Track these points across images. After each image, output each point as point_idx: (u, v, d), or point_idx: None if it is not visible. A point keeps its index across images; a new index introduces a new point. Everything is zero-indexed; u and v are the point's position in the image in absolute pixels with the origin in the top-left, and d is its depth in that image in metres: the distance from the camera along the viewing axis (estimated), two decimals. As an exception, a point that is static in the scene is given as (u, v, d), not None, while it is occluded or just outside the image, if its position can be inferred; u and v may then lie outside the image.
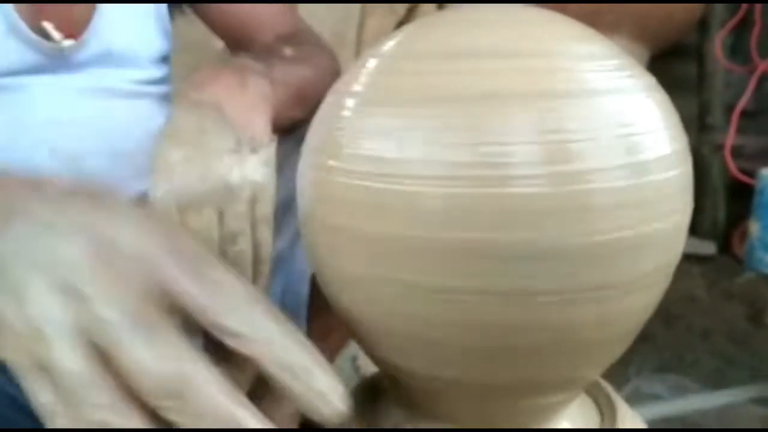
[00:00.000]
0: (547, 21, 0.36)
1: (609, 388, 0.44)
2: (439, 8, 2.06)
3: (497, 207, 0.32)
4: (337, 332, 0.90)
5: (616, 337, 0.36)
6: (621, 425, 0.41)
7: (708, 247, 2.00)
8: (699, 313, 1.72)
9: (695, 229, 2.11)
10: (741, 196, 1.83)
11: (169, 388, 0.30)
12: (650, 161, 0.33)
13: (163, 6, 0.85)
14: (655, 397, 1.19)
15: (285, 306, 0.80)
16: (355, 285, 0.37)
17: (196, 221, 0.52)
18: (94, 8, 0.78)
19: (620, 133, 0.33)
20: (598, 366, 0.38)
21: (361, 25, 2.10)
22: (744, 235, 1.81)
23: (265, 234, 0.55)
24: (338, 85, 0.40)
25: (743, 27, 1.90)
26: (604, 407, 0.43)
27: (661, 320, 1.68)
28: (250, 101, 0.62)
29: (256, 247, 0.54)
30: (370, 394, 0.46)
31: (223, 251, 0.50)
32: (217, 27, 0.91)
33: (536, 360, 0.35)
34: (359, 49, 2.11)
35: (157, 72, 0.85)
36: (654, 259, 0.33)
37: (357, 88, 0.38)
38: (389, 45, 0.39)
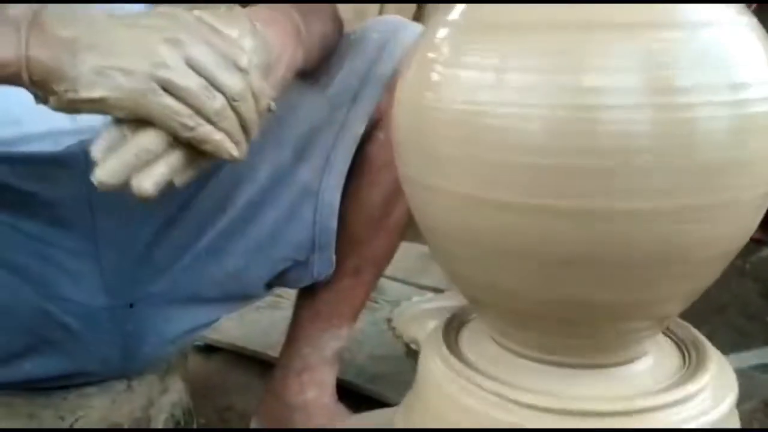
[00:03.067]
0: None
1: (695, 332, 0.46)
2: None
3: (591, 125, 0.34)
4: (369, 269, 0.93)
5: (710, 261, 0.38)
6: (708, 365, 0.42)
7: (722, 226, 2.04)
8: (714, 288, 1.75)
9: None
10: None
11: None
12: (750, 90, 0.35)
13: None
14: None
15: (315, 238, 0.86)
16: (453, 208, 0.39)
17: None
18: None
19: (719, 64, 0.35)
20: (683, 298, 0.40)
21: (381, 8, 2.13)
22: (758, 215, 1.85)
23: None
24: (438, 18, 0.42)
25: (762, 11, 1.92)
26: (690, 348, 0.45)
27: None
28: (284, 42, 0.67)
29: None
30: (454, 327, 0.48)
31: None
32: None
33: (623, 278, 0.37)
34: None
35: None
36: (751, 183, 0.36)
37: (454, 17, 0.40)
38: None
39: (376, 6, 2.14)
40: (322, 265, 0.88)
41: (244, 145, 0.61)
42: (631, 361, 0.40)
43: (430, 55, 0.40)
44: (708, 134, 0.34)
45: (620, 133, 0.33)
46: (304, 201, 0.84)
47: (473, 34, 0.38)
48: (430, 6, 2.11)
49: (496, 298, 0.41)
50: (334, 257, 0.88)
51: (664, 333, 0.45)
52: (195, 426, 1.01)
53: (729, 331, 1.56)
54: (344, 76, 0.85)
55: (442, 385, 0.40)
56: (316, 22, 0.76)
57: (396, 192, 0.89)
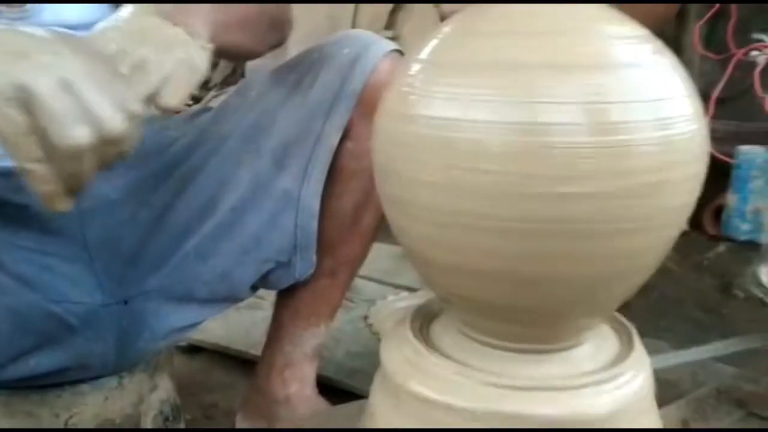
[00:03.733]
0: (588, 7, 0.45)
1: (628, 324, 0.53)
2: (432, -5, 2.13)
3: (546, 153, 0.40)
4: (344, 270, 0.99)
5: (638, 268, 0.45)
6: (636, 351, 0.49)
7: (681, 225, 2.13)
8: (673, 283, 1.84)
9: (669, 208, 2.24)
10: (712, 176, 1.95)
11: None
12: (673, 121, 0.42)
13: None
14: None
15: (297, 241, 0.92)
16: (427, 225, 0.46)
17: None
18: None
19: (647, 99, 0.42)
20: (621, 293, 0.47)
21: (354, 14, 2.17)
22: (714, 213, 1.93)
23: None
24: (412, 55, 0.48)
25: (718, 18, 2.01)
26: (623, 337, 0.52)
27: (638, 290, 1.79)
28: (188, 11, 0.69)
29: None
30: (425, 319, 0.54)
31: None
32: None
33: (572, 284, 0.44)
34: (354, 31, 2.19)
35: None
36: (676, 197, 0.43)
37: (428, 57, 0.46)
38: (455, 24, 0.47)
39: (350, 13, 2.19)
40: (304, 266, 0.94)
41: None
42: (577, 346, 0.47)
43: (405, 89, 0.46)
44: (639, 159, 0.41)
45: (565, 158, 0.40)
46: (286, 207, 0.90)
47: (443, 71, 0.44)
48: (401, 15, 2.16)
49: (466, 301, 0.48)
50: (315, 258, 0.94)
51: (607, 324, 0.52)
52: (182, 422, 1.06)
53: (687, 324, 1.65)
54: (319, 90, 0.90)
55: (406, 364, 0.47)
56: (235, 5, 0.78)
57: (366, 198, 0.96)
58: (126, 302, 0.87)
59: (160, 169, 0.89)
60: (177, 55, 0.65)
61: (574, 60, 0.42)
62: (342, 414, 0.83)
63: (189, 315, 0.93)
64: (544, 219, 0.41)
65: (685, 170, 0.43)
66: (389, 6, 2.12)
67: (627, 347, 0.49)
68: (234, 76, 2.86)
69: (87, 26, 0.90)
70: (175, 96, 0.65)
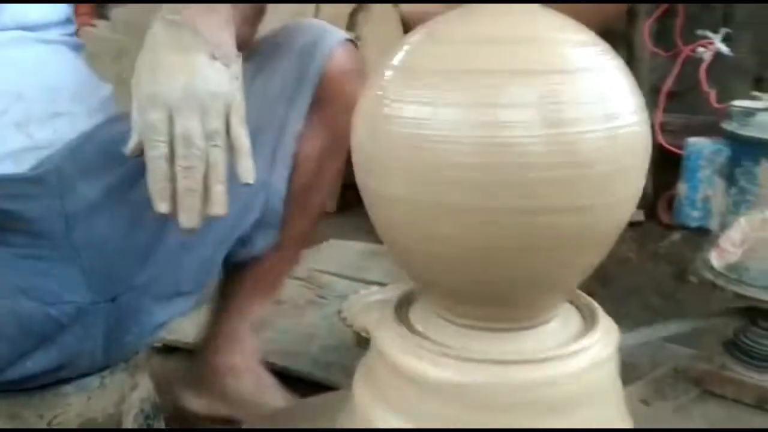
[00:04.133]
0: (546, 15, 0.50)
1: (591, 301, 0.58)
2: (392, -3, 2.17)
3: (506, 147, 0.45)
4: (290, 246, 1.04)
5: (593, 248, 0.50)
6: (599, 326, 0.54)
7: (637, 215, 2.21)
8: (631, 272, 1.92)
9: (626, 199, 2.33)
10: (665, 168, 2.03)
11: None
12: (620, 118, 0.47)
13: None
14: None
15: (265, 219, 0.97)
16: (397, 209, 0.50)
17: (184, 120, 0.65)
18: None
19: (596, 99, 0.47)
20: (578, 273, 0.52)
21: (315, 15, 2.20)
22: (668, 202, 2.02)
23: (240, 131, 0.69)
24: (385, 61, 0.52)
25: (667, 16, 2.09)
26: (587, 315, 0.57)
27: (597, 280, 1.87)
28: (217, 23, 0.73)
29: (233, 141, 0.68)
30: (405, 303, 0.59)
31: (205, 147, 0.66)
32: None
33: (536, 265, 0.48)
34: (316, 34, 2.22)
35: (65, 28, 0.95)
36: (623, 186, 0.48)
37: (400, 64, 0.50)
38: (424, 33, 0.52)
39: (311, 15, 2.22)
40: (264, 243, 0.99)
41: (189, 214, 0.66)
42: (544, 323, 0.52)
43: (380, 92, 0.50)
44: (590, 152, 0.46)
45: (524, 152, 0.45)
46: (258, 193, 0.95)
47: (415, 76, 0.49)
48: (361, 17, 2.20)
49: (443, 286, 0.52)
50: (276, 233, 0.98)
51: (570, 302, 0.57)
52: (162, 420, 1.09)
53: (645, 310, 1.72)
54: (279, 78, 0.94)
55: (394, 348, 0.51)
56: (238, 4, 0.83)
57: (315, 180, 1.02)
58: (114, 300, 0.90)
59: (135, 166, 0.93)
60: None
61: (531, 66, 0.46)
62: (319, 404, 0.87)
63: (175, 307, 0.97)
64: (507, 205, 0.46)
65: (631, 159, 0.48)
66: (350, 7, 2.16)
67: (591, 322, 0.54)
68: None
69: (48, 26, 0.93)
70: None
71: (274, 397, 1.08)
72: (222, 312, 1.08)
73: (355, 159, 0.53)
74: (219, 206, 0.66)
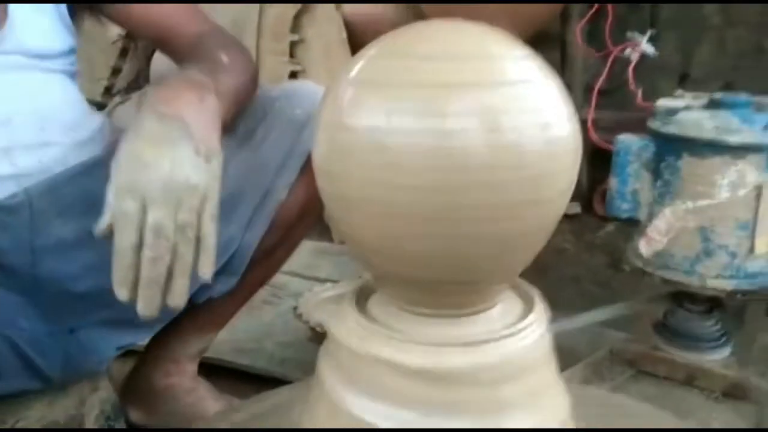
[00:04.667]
0: (489, 33, 0.55)
1: (531, 289, 0.64)
2: (335, -2, 2.21)
3: (452, 152, 0.50)
4: (244, 292, 1.08)
5: (531, 242, 0.56)
6: (536, 308, 0.60)
7: (574, 207, 2.32)
8: (569, 262, 2.02)
9: (563, 192, 2.43)
10: (599, 163, 2.13)
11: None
12: (554, 126, 0.53)
13: (63, 7, 0.96)
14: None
15: (229, 268, 0.96)
16: (354, 210, 0.54)
17: (157, 211, 0.67)
18: (6, 12, 0.89)
19: (533, 109, 0.53)
20: (519, 263, 0.58)
21: (260, 17, 2.21)
22: (602, 196, 2.13)
23: (210, 228, 0.70)
24: (343, 74, 0.57)
25: (598, 17, 2.19)
26: (526, 299, 0.63)
27: (536, 270, 1.95)
28: (206, 117, 0.75)
29: (202, 237, 0.69)
30: (363, 296, 0.63)
31: (174, 239, 0.67)
32: (140, 28, 1.02)
33: (479, 258, 0.54)
34: (259, 39, 2.23)
35: (67, 58, 0.97)
36: (557, 185, 0.54)
37: (356, 76, 0.55)
38: (378, 48, 0.57)
39: (255, 17, 2.23)
40: (223, 288, 0.99)
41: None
42: (489, 308, 0.58)
43: (338, 103, 0.55)
44: (527, 156, 0.52)
45: (469, 157, 0.50)
46: (228, 248, 0.95)
47: (371, 88, 0.54)
48: (305, 19, 2.23)
49: (398, 278, 0.57)
50: (238, 280, 1.00)
51: (512, 289, 0.63)
52: (123, 421, 1.11)
53: (583, 298, 1.81)
54: (270, 147, 0.95)
55: (353, 336, 0.56)
56: (227, 79, 0.85)
57: (287, 240, 1.03)
58: (72, 331, 0.90)
59: None
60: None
61: (475, 79, 0.52)
62: (277, 396, 0.90)
63: (135, 335, 0.98)
64: (454, 205, 0.51)
65: (564, 161, 0.54)
66: (294, 11, 2.19)
67: (529, 306, 0.60)
68: (138, 81, 2.84)
69: (51, 55, 0.93)
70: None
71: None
72: (166, 336, 1.09)
73: (315, 165, 0.57)
74: (178, 298, 0.69)
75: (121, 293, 0.68)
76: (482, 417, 0.53)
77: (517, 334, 0.55)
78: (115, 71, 2.80)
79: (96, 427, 1.04)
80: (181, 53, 0.94)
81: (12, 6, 0.89)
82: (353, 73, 0.55)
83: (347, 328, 0.57)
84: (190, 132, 0.71)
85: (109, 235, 0.69)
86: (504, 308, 0.59)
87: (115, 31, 2.62)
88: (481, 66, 0.52)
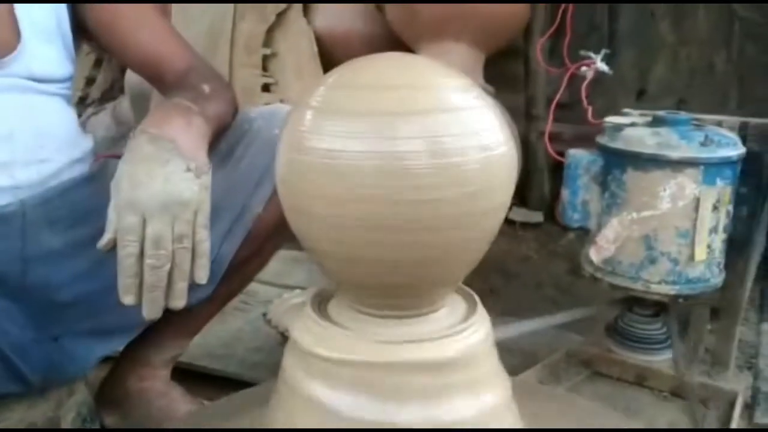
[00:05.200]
0: (434, 66, 0.62)
1: (472, 293, 0.71)
2: (306, 14, 2.27)
3: (399, 173, 0.57)
4: (217, 302, 1.13)
5: (473, 250, 0.63)
6: (478, 310, 0.67)
7: (537, 216, 2.41)
8: (532, 269, 2.09)
9: (526, 201, 2.51)
10: (561, 175, 2.21)
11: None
12: (492, 148, 0.60)
13: (69, 38, 1.02)
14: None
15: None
16: (313, 223, 0.61)
17: (156, 224, 0.74)
18: (19, 38, 0.95)
19: (473, 132, 0.60)
20: (462, 269, 0.65)
21: (233, 31, 2.26)
22: (564, 205, 2.21)
23: (204, 235, 0.80)
24: (303, 101, 0.63)
25: (558, 34, 2.27)
26: (470, 303, 0.70)
27: (502, 277, 2.03)
28: (194, 137, 0.84)
29: (196, 244, 0.78)
30: (323, 301, 0.70)
31: (173, 248, 0.76)
32: (133, 62, 1.09)
33: (427, 264, 0.61)
34: (232, 52, 2.28)
35: (66, 83, 1.03)
36: (495, 199, 0.61)
37: (316, 104, 0.62)
38: (335, 77, 0.63)
39: (228, 31, 2.28)
40: (198, 297, 1.01)
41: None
42: (436, 310, 0.65)
43: (300, 128, 0.61)
44: (468, 175, 0.58)
45: (416, 177, 0.57)
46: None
47: (328, 115, 0.60)
48: (277, 34, 2.28)
49: (354, 283, 0.64)
50: (212, 289, 1.03)
51: (457, 292, 0.70)
52: (98, 423, 1.15)
53: (546, 303, 1.88)
54: (248, 165, 1.02)
55: (310, 334, 0.63)
56: (210, 106, 0.93)
57: (261, 252, 1.09)
58: (56, 339, 0.94)
59: (100, 227, 0.96)
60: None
61: (421, 107, 0.59)
62: (248, 396, 0.96)
63: (115, 342, 1.03)
64: (403, 218, 0.58)
65: (501, 178, 0.61)
66: (266, 25, 2.24)
67: (472, 309, 0.67)
68: (112, 92, 2.87)
69: (53, 80, 0.98)
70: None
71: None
72: (142, 341, 1.13)
73: (279, 182, 0.64)
74: (179, 301, 0.79)
75: (128, 299, 0.77)
76: (427, 401, 0.59)
77: (459, 333, 0.62)
78: (89, 81, 2.82)
79: (73, 427, 1.08)
80: (169, 86, 1.01)
81: (26, 34, 0.95)
82: (314, 100, 0.61)
83: (306, 328, 0.63)
84: (181, 151, 0.80)
85: (112, 248, 0.77)
86: (449, 311, 0.66)
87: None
88: (426, 95, 0.59)
